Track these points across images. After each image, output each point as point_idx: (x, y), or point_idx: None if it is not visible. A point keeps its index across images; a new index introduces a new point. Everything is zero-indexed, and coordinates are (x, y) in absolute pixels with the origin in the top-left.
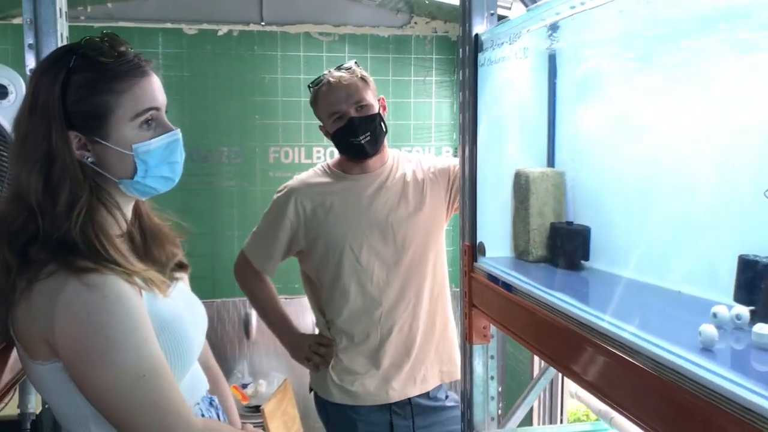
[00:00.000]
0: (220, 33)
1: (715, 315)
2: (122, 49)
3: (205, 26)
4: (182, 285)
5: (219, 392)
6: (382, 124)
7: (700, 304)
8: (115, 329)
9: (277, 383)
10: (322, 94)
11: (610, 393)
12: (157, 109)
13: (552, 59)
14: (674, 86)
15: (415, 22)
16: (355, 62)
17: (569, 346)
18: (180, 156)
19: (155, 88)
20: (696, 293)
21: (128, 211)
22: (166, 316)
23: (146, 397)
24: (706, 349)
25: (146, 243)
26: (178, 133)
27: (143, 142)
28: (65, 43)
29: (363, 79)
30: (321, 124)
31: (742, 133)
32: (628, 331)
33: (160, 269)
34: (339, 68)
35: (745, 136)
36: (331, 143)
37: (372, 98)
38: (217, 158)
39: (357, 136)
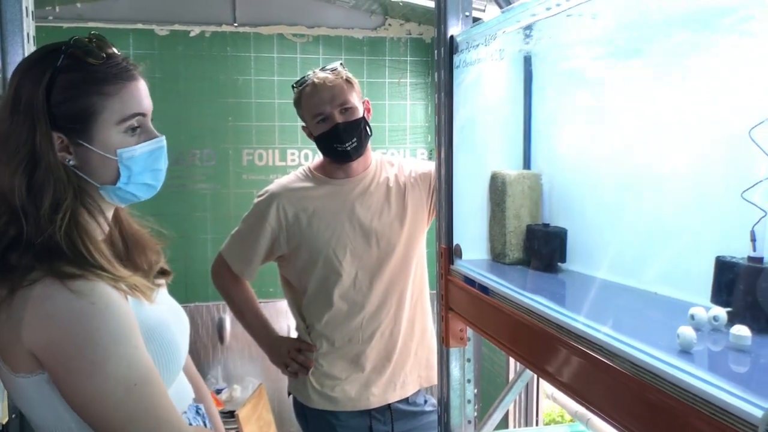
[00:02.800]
0: (192, 34)
1: (692, 317)
2: (110, 51)
3: (176, 27)
4: (164, 291)
5: (202, 400)
6: (367, 127)
7: (676, 306)
8: (105, 337)
9: (252, 388)
10: (306, 95)
11: (587, 395)
12: (143, 114)
13: (527, 61)
14: (650, 88)
15: (390, 24)
16: (341, 63)
17: (546, 349)
18: (163, 164)
19: (142, 94)
20: (673, 294)
21: (110, 216)
22: (152, 323)
23: (137, 407)
24: (684, 351)
25: (128, 250)
26: (163, 140)
27: (128, 148)
28: (31, 43)
29: (348, 81)
30: (304, 124)
31: (718, 135)
32: (605, 333)
33: (143, 276)
34: (324, 69)
35: (722, 138)
36: (307, 145)
37: (357, 101)
38: (190, 161)
39: (343, 142)
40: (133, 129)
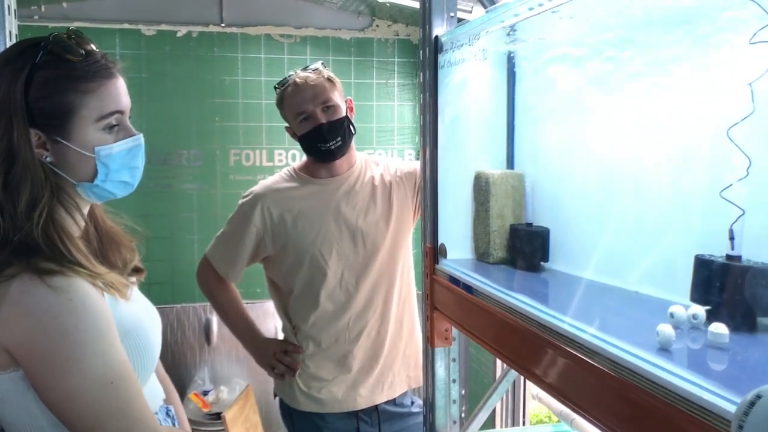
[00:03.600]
0: (179, 34)
1: (672, 315)
2: (89, 48)
3: (163, 27)
4: (136, 289)
5: (172, 402)
6: (351, 126)
7: (657, 304)
8: (82, 334)
9: (239, 389)
10: (288, 95)
11: (570, 394)
12: (121, 112)
13: (510, 61)
14: (631, 88)
15: (377, 25)
16: (322, 63)
17: (529, 348)
18: (141, 161)
19: (121, 91)
20: (653, 293)
21: (85, 212)
22: (128, 321)
23: (112, 405)
24: (664, 349)
25: (102, 247)
26: (140, 138)
27: (106, 146)
28: (14, 41)
29: (329, 79)
30: (287, 125)
31: (698, 134)
32: (587, 332)
33: (119, 273)
34: (305, 69)
35: (701, 137)
36: (294, 145)
37: (339, 99)
38: (177, 161)
39: (326, 142)
40: (111, 127)
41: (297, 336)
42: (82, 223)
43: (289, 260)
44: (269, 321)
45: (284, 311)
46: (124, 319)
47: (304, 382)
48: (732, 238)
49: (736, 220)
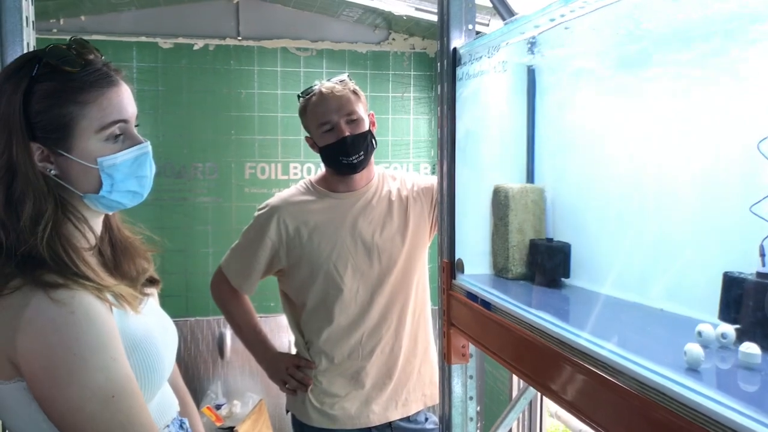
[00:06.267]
0: (196, 47)
1: (699, 334)
2: (90, 57)
3: (180, 40)
4: (153, 301)
5: (188, 414)
6: (373, 140)
7: (683, 323)
8: (83, 347)
9: (252, 404)
10: (312, 104)
11: (592, 413)
12: (125, 121)
13: (531, 73)
14: (656, 101)
15: (393, 39)
16: (348, 75)
17: (549, 366)
18: (149, 170)
19: (124, 99)
20: (679, 311)
21: (96, 224)
22: (136, 335)
23: (114, 419)
24: (692, 369)
25: (116, 257)
26: (147, 146)
27: (109, 156)
28: None
29: (355, 92)
30: (308, 134)
31: (726, 148)
32: (610, 350)
33: (130, 284)
34: (330, 80)
35: (730, 151)
36: (309, 159)
37: (363, 112)
38: (192, 174)
39: (349, 155)
40: (116, 136)
41: (310, 351)
42: (91, 236)
43: (304, 274)
44: (282, 335)
45: (297, 326)
46: (132, 331)
47: (316, 397)
48: (763, 255)
49: (767, 237)
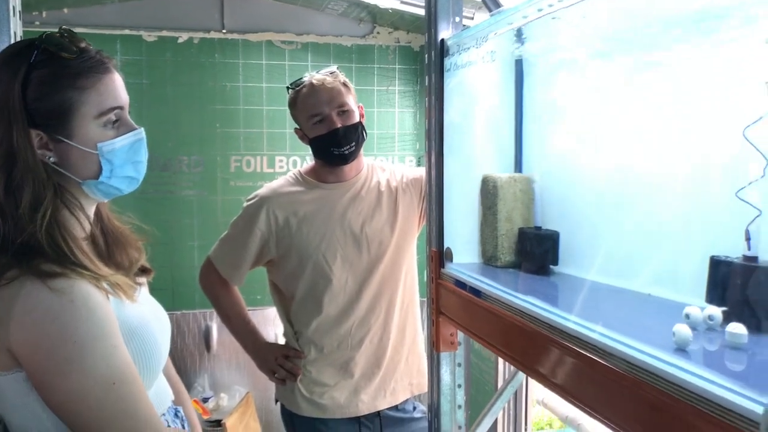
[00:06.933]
0: (180, 40)
1: (687, 316)
2: (83, 45)
3: (164, 33)
4: (145, 290)
5: (181, 403)
6: (363, 132)
7: (671, 307)
8: (83, 335)
9: (239, 397)
10: (303, 96)
11: (582, 396)
12: (121, 108)
13: (519, 63)
14: (642, 89)
15: (378, 32)
16: (337, 67)
17: (539, 350)
18: (144, 155)
19: (118, 86)
20: (667, 296)
21: (91, 213)
22: (133, 323)
23: (115, 406)
24: (680, 350)
25: (109, 247)
26: (142, 132)
27: (108, 141)
28: None
29: (345, 84)
30: (297, 126)
31: (712, 134)
32: (600, 332)
33: (124, 274)
34: (320, 71)
35: (716, 137)
36: (295, 152)
37: (353, 104)
38: (177, 167)
39: (341, 146)
40: (113, 122)
41: (299, 341)
42: (87, 224)
43: (293, 264)
44: (269, 328)
45: (286, 316)
46: (129, 320)
47: (305, 387)
48: (748, 239)
49: (752, 221)
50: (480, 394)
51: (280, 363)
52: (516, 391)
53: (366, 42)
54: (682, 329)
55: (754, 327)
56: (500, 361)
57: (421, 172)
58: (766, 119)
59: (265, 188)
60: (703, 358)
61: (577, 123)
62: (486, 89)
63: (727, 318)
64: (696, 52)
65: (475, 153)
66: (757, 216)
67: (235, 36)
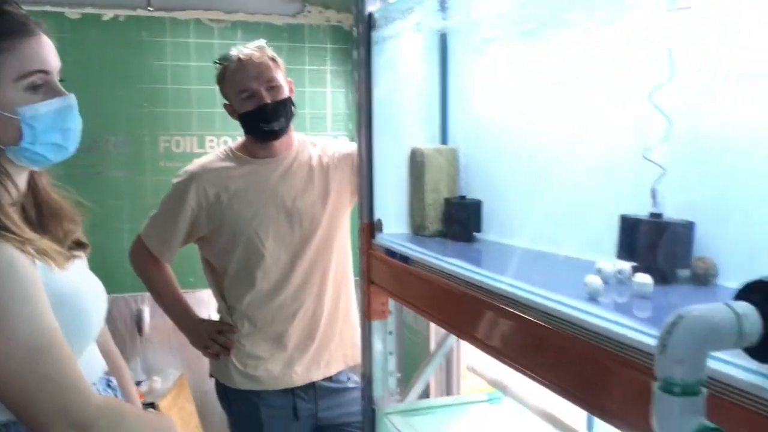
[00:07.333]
0: (105, 18)
1: (599, 270)
2: (8, 7)
3: (89, 10)
4: (81, 264)
5: (120, 376)
6: (293, 107)
7: (586, 265)
8: (7, 298)
9: (173, 379)
10: (231, 71)
11: (505, 350)
12: (46, 72)
13: (443, 36)
14: (557, 60)
15: (309, 11)
16: (266, 42)
17: (465, 310)
18: (74, 123)
19: (45, 50)
20: (584, 256)
21: (20, 181)
22: (63, 290)
23: (41, 371)
24: (593, 299)
25: (42, 217)
26: (71, 99)
27: (30, 105)
28: None
29: (273, 59)
30: (226, 102)
31: (621, 100)
32: (519, 287)
33: (58, 244)
34: (248, 46)
35: (624, 102)
36: (227, 131)
37: (282, 79)
38: (104, 147)
39: (270, 121)
40: (36, 87)
41: (233, 316)
42: (14, 191)
43: (225, 240)
44: (202, 310)
45: (219, 291)
46: (58, 286)
47: (239, 360)
48: (655, 197)
49: (657, 179)
50: (413, 362)
51: (213, 338)
52: (448, 360)
53: (297, 21)
54: (594, 280)
55: (660, 278)
56: (433, 329)
57: (353, 147)
58: (668, 84)
59: (195, 164)
60: (612, 306)
61: (498, 95)
62: (413, 62)
63: (636, 272)
64: (605, 23)
65: (404, 126)
66: (662, 175)
67: (162, 14)
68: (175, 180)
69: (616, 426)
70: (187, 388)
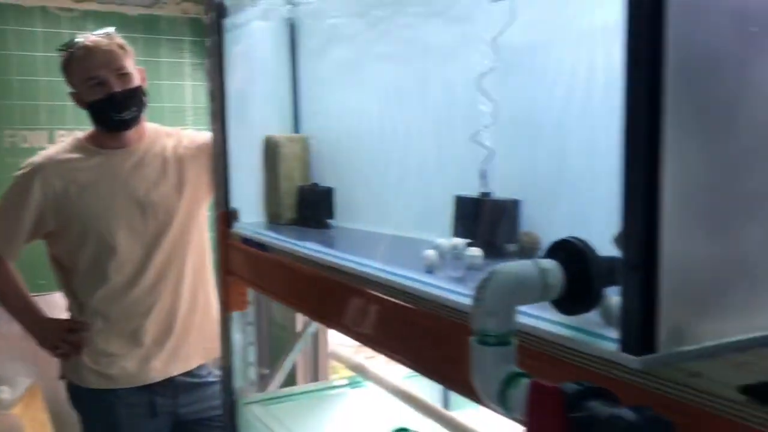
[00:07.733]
0: None
1: (436, 246)
2: None
3: None
4: None
5: None
6: (144, 96)
7: (428, 244)
8: None
9: (24, 388)
10: (77, 59)
11: (358, 329)
12: None
13: (292, 23)
14: (395, 50)
15: (165, 2)
16: (114, 29)
17: (318, 292)
18: None
19: None
20: (425, 237)
21: None
22: None
23: None
24: (429, 272)
25: None
26: None
27: None
28: None
29: (121, 47)
30: (73, 90)
31: (453, 88)
32: (364, 264)
33: None
34: (95, 33)
35: (456, 90)
36: (79, 125)
37: (132, 68)
38: None
39: (120, 111)
40: None
41: (84, 313)
42: None
43: (74, 235)
44: (56, 314)
45: (69, 288)
46: None
47: (92, 358)
48: (484, 177)
49: (484, 160)
50: (282, 351)
51: (62, 337)
52: (315, 347)
53: (152, 12)
54: (431, 254)
55: (490, 252)
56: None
57: (209, 136)
58: (493, 71)
59: (40, 156)
60: (446, 276)
61: (343, 83)
62: (265, 50)
63: (470, 247)
64: (440, 13)
65: (258, 114)
66: (490, 156)
67: (4, 0)
68: (17, 173)
69: (459, 392)
70: (40, 397)
